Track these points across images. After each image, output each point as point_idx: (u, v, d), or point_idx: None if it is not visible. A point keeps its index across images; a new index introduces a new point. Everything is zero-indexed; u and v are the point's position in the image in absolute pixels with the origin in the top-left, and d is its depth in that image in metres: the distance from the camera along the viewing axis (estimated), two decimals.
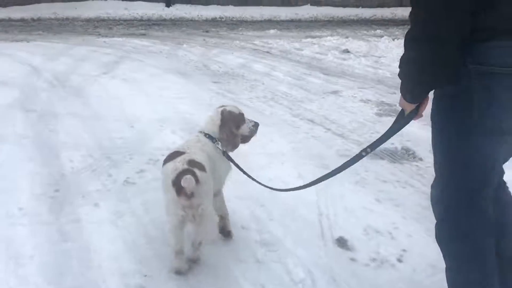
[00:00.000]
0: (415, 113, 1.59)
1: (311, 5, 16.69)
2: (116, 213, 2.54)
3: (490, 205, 1.53)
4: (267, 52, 8.14)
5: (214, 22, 13.31)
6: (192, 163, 2.03)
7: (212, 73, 6.29)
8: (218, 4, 15.72)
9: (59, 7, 13.97)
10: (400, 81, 1.51)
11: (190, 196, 1.94)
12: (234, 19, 14.24)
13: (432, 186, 1.64)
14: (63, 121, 4.04)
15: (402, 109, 1.63)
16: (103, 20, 13.01)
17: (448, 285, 1.61)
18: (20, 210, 2.53)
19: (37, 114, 4.19)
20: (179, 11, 14.61)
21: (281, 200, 2.68)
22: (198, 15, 14.30)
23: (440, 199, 1.60)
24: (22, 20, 12.71)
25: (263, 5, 16.11)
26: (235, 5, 15.78)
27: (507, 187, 1.69)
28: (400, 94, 1.56)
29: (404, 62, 1.46)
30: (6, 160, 3.14)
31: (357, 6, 17.43)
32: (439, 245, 1.63)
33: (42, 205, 2.59)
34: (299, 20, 14.49)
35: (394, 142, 3.78)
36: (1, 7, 14.19)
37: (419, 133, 4.02)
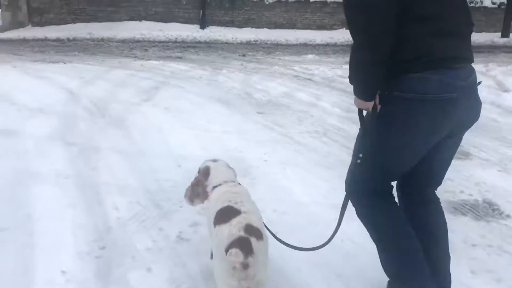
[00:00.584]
0: (375, 108, 1.78)
1: (346, 28, 16.36)
2: (173, 282, 2.17)
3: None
4: (309, 79, 7.79)
5: (250, 46, 13.09)
6: (249, 229, 1.74)
7: (256, 103, 5.96)
8: (252, 27, 15.57)
9: (95, 27, 14.04)
10: (353, 86, 1.77)
11: (245, 267, 1.66)
12: (269, 42, 14.01)
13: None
14: (105, 157, 3.74)
15: (360, 110, 1.85)
16: (138, 41, 12.96)
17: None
18: (63, 274, 2.19)
19: (77, 148, 3.90)
20: (213, 33, 14.49)
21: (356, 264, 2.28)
22: (232, 38, 14.14)
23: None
24: (58, 40, 12.78)
25: (297, 29, 15.89)
26: (269, 28, 15.60)
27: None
28: (356, 97, 1.79)
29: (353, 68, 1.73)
30: (47, 207, 2.82)
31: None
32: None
33: (87, 267, 2.25)
34: (335, 44, 14.15)
35: (473, 193, 3.35)
36: (38, 26, 14.36)
37: (498, 183, 3.60)
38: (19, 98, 5.48)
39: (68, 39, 12.95)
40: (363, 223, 1.99)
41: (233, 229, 1.74)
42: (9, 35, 13.33)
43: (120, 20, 14.70)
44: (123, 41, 12.86)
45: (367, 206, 1.94)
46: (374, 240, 1.97)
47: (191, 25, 15.09)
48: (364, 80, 1.72)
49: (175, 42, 13.23)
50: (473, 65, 1.81)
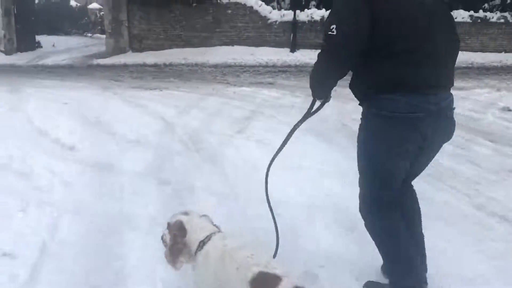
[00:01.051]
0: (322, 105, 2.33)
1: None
2: None
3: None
4: None
5: None
6: None
7: (353, 135, 5.49)
8: None
9: (189, 52, 14.47)
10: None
11: None
12: None
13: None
14: (199, 199, 3.54)
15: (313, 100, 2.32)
16: (230, 66, 13.10)
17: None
18: None
19: (172, 188, 3.75)
20: (304, 56, 14.26)
21: None
22: None
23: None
24: (156, 65, 13.31)
25: None
26: None
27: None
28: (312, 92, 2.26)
29: (315, 73, 2.18)
30: (138, 262, 2.63)
31: (499, 51, 15.65)
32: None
33: None
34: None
35: None
36: (138, 52, 15.12)
37: None
38: (118, 128, 5.56)
39: (165, 64, 13.46)
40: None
41: None
42: (111, 61, 14.18)
43: (213, 45, 15.04)
44: (216, 66, 13.08)
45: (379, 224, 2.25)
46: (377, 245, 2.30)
47: (282, 49, 15.02)
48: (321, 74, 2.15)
49: (266, 66, 13.20)
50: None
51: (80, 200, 3.42)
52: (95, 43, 21.47)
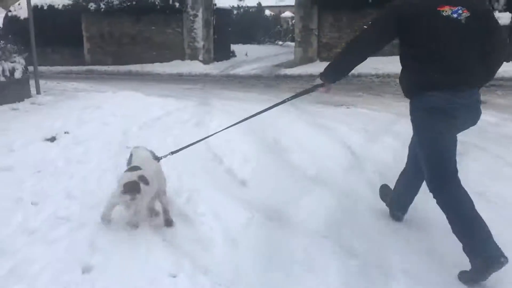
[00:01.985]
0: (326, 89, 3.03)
1: None
2: None
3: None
4: None
5: None
6: None
7: None
8: None
9: (380, 61, 13.13)
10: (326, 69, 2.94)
11: None
12: None
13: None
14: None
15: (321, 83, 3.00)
16: None
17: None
18: None
19: (358, 265, 2.75)
20: None
21: None
22: None
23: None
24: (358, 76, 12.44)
25: None
26: None
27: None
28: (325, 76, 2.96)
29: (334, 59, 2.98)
30: None
31: None
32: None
33: None
34: None
35: None
36: (326, 61, 14.47)
37: None
38: (296, 158, 4.81)
39: (353, 75, 12.48)
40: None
41: None
42: (298, 71, 13.84)
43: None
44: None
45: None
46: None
47: None
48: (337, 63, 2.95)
49: None
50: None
51: (239, 271, 2.68)
52: (284, 51, 21.76)
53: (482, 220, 2.51)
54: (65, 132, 5.59)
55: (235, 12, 24.46)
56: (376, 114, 7.04)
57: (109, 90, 9.37)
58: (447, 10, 2.56)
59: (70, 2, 17.00)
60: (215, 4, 17.27)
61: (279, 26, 26.58)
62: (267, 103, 8.02)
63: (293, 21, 32.79)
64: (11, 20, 17.98)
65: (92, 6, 16.29)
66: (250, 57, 19.37)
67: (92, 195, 3.59)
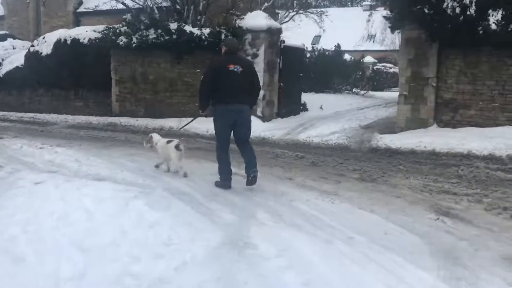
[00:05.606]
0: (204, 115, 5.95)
1: None
2: None
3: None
4: None
5: None
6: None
7: None
8: None
9: None
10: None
11: None
12: None
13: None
14: None
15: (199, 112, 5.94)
16: None
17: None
18: None
19: None
20: None
21: None
22: None
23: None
24: (493, 157, 7.20)
25: None
26: None
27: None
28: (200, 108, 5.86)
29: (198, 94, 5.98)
30: None
31: None
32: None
33: None
34: None
35: None
36: (448, 126, 9.34)
37: None
38: None
39: (509, 157, 7.25)
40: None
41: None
42: (406, 140, 8.81)
43: None
44: None
45: (218, 155, 5.78)
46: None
47: None
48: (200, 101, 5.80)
49: None
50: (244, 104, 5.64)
51: None
52: (369, 104, 16.81)
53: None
54: None
55: (308, 55, 19.87)
56: None
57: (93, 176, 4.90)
58: (231, 67, 5.46)
59: (98, 35, 13.34)
60: (283, 41, 12.70)
61: (359, 73, 21.73)
62: (378, 227, 3.16)
63: (375, 67, 27.82)
64: (30, 57, 14.65)
65: (122, 40, 12.44)
66: (326, 110, 14.57)
67: None
